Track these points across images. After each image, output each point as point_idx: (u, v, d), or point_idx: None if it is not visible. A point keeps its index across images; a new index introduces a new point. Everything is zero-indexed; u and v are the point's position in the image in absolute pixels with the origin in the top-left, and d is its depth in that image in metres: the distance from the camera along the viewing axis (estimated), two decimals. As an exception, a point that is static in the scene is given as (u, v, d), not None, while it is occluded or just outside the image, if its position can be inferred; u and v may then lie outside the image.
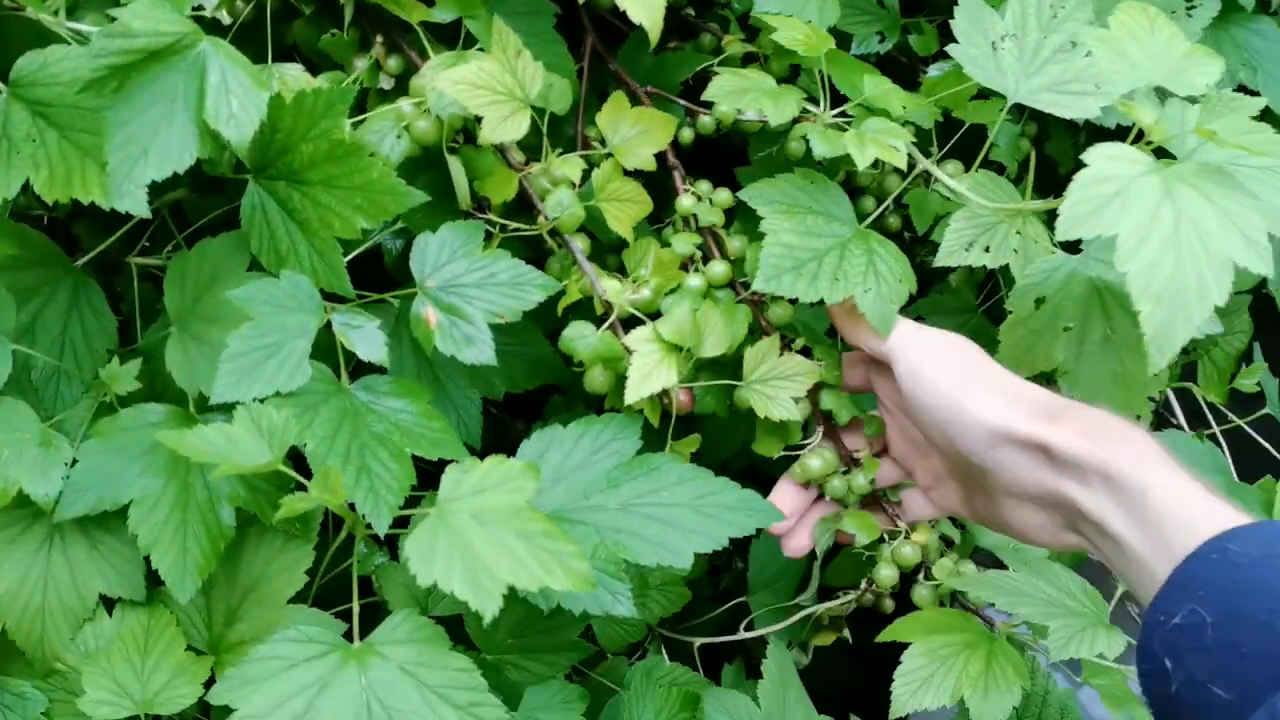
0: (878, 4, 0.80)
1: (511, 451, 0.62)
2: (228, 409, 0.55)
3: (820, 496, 0.66)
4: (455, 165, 0.62)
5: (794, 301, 0.61)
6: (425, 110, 0.62)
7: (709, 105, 0.67)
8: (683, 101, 0.69)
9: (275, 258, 0.58)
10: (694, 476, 0.60)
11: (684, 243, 0.63)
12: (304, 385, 0.55)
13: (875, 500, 0.66)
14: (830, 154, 0.59)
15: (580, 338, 0.60)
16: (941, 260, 0.62)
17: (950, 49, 0.63)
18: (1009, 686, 0.60)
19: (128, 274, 0.66)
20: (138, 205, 0.52)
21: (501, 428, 0.82)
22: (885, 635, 0.63)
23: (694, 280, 0.62)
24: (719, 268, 0.63)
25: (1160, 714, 0.43)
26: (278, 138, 0.56)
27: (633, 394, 0.59)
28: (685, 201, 0.65)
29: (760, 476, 0.94)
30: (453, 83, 0.56)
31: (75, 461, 0.55)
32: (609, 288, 0.61)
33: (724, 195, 0.66)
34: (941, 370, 0.54)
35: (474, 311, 0.59)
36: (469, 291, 0.59)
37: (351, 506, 0.53)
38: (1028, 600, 0.61)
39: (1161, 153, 0.53)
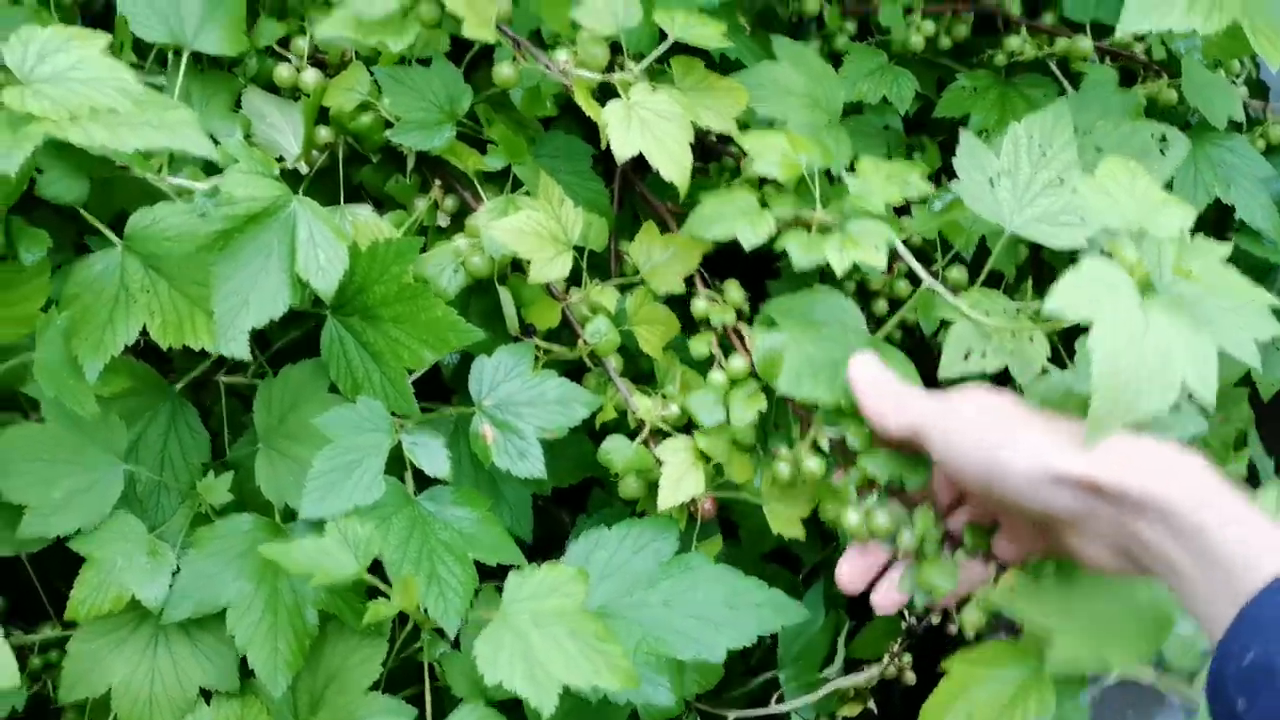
0: (883, 128, 0.87)
1: (558, 540, 0.69)
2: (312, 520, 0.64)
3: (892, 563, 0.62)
4: (506, 296, 0.70)
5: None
6: (479, 247, 0.70)
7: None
8: None
9: (351, 383, 0.66)
10: (726, 576, 0.66)
11: (700, 344, 0.69)
12: (379, 498, 0.62)
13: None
14: (808, 265, 0.62)
15: (617, 450, 0.67)
16: (944, 373, 0.68)
17: (953, 185, 0.70)
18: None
19: (215, 391, 0.74)
20: (241, 350, 0.60)
21: (548, 517, 0.88)
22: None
23: (717, 375, 0.67)
24: (739, 362, 0.67)
25: None
26: (354, 279, 0.64)
27: (665, 502, 0.65)
28: (699, 305, 0.71)
29: (788, 558, 1.00)
30: (504, 231, 0.64)
31: (178, 569, 0.63)
32: (641, 405, 0.69)
33: (736, 294, 0.72)
34: (971, 434, 0.52)
35: (526, 428, 0.66)
36: (521, 410, 0.67)
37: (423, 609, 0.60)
38: (1074, 617, 0.55)
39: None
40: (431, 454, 0.65)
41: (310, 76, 0.73)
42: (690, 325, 0.77)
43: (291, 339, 0.74)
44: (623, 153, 0.62)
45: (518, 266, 0.72)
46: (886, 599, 0.59)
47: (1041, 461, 0.49)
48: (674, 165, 0.63)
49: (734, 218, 0.63)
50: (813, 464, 0.62)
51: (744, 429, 0.67)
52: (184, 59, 0.68)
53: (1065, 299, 0.52)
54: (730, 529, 0.92)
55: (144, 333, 0.62)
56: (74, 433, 0.63)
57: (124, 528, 0.63)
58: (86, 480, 0.62)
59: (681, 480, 0.66)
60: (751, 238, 0.62)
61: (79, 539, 0.62)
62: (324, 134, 0.73)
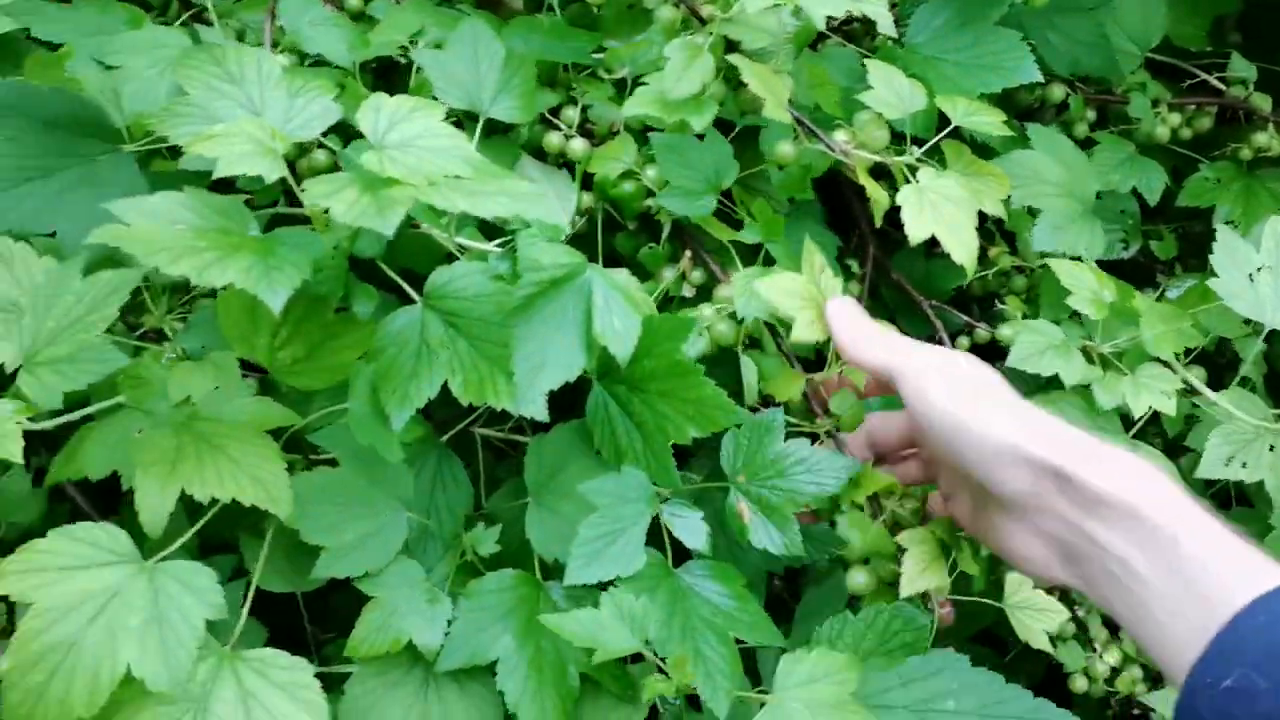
0: (1120, 212, 0.87)
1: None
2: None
3: None
4: (748, 364, 0.70)
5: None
6: (726, 315, 0.70)
7: (983, 319, 0.75)
8: (963, 316, 0.77)
9: (615, 451, 0.67)
10: (982, 682, 0.64)
11: None
12: (640, 569, 0.63)
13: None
14: (1111, 404, 0.67)
15: (857, 529, 0.67)
16: (1203, 473, 0.69)
17: (1212, 283, 0.70)
18: None
19: (471, 443, 0.76)
20: (539, 411, 0.61)
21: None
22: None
23: None
24: None
25: None
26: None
27: (907, 589, 0.62)
28: None
29: (994, 639, 0.98)
30: (772, 288, 0.64)
31: (453, 618, 0.65)
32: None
33: None
34: (945, 393, 0.52)
35: (781, 504, 0.67)
36: (775, 484, 0.67)
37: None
38: None
39: None
40: (690, 527, 0.65)
41: (578, 145, 0.76)
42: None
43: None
44: (917, 235, 0.63)
45: (755, 344, 0.73)
46: None
47: (1008, 437, 0.49)
48: (963, 249, 0.64)
49: (1051, 354, 0.68)
50: None
51: None
52: (479, 125, 0.72)
53: None
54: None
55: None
56: (364, 479, 0.65)
57: (406, 573, 0.65)
58: (374, 525, 0.65)
59: (925, 570, 0.63)
60: (1070, 376, 0.67)
61: (365, 581, 0.64)
62: (585, 200, 0.76)
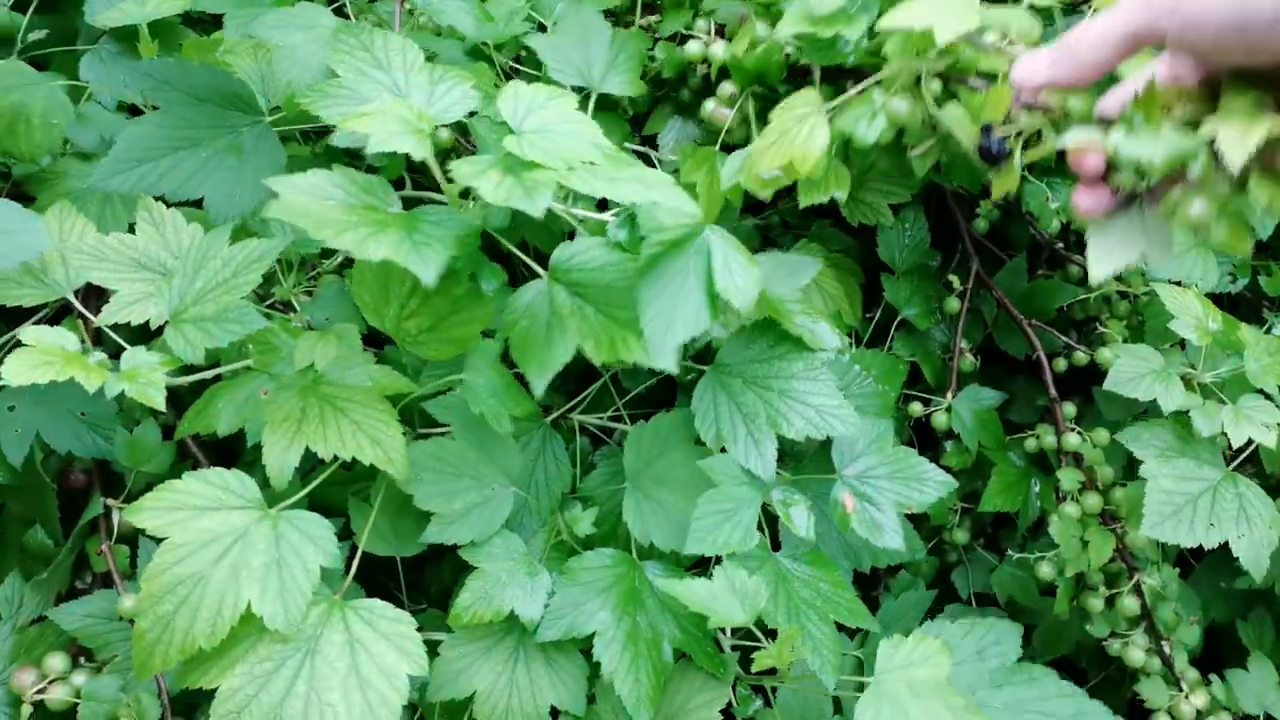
0: (1229, 246, 0.86)
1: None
2: (661, 555, 0.68)
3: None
4: (951, 114, 0.66)
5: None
6: (900, 90, 0.67)
7: (1083, 343, 0.76)
8: (1063, 338, 0.78)
9: (715, 437, 0.69)
10: (1072, 694, 0.66)
11: (1069, 478, 0.72)
12: (750, 549, 0.65)
13: None
14: (1209, 431, 0.66)
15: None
16: None
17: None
18: None
19: (569, 429, 0.79)
20: (671, 364, 0.61)
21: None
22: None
23: (1070, 509, 0.71)
24: (1093, 500, 0.72)
25: None
26: (751, 346, 0.69)
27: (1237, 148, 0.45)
28: (1072, 440, 0.74)
29: (1073, 668, 0.97)
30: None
31: (553, 592, 0.67)
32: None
33: (1103, 435, 0.75)
34: None
35: (884, 501, 0.68)
36: (880, 483, 0.68)
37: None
38: None
39: None
40: (799, 514, 0.67)
41: (718, 49, 0.80)
42: (1012, 429, 0.78)
43: (647, 385, 0.79)
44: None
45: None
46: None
47: None
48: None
49: (1151, 379, 0.69)
50: None
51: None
52: (592, 99, 0.77)
53: None
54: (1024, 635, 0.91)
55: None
56: (476, 451, 0.68)
57: (509, 545, 0.67)
58: (482, 496, 0.67)
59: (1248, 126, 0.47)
60: (1169, 402, 0.68)
61: (470, 550, 0.66)
62: (728, 89, 0.78)
